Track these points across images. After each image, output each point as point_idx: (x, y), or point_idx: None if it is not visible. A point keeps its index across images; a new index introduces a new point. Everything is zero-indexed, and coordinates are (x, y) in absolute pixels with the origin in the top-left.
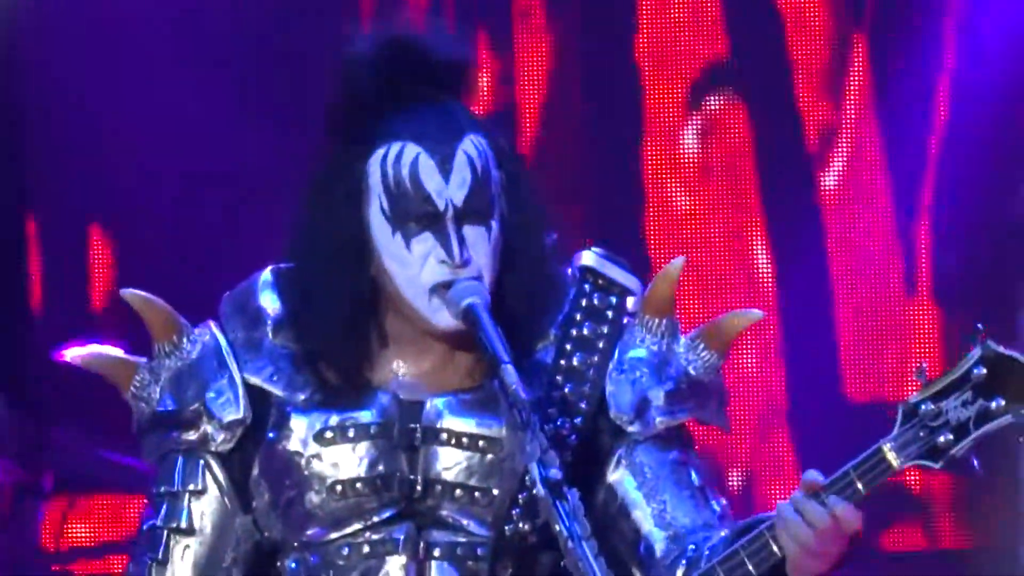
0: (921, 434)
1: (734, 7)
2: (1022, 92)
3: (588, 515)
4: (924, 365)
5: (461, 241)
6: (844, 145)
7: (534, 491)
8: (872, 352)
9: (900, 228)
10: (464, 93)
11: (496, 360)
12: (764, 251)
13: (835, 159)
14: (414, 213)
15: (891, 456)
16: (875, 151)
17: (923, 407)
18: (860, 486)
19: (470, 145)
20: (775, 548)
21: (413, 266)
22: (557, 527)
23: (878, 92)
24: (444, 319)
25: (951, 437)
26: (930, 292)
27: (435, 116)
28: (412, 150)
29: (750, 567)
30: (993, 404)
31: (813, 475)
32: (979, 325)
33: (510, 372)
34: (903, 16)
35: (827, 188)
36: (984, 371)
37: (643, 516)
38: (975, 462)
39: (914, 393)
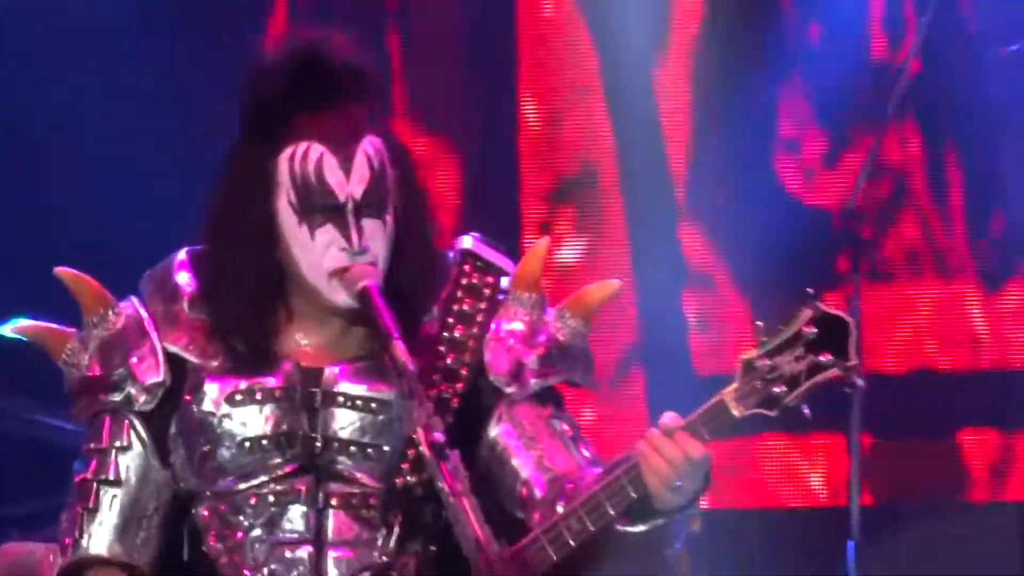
0: (758, 386)
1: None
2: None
3: (472, 469)
4: (760, 324)
5: (360, 232)
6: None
7: (420, 451)
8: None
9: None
10: (365, 98)
11: (386, 336)
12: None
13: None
14: (318, 206)
15: (732, 406)
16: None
17: (759, 362)
18: (705, 433)
19: (368, 145)
20: (630, 490)
21: (316, 253)
22: (440, 484)
23: (719, 88)
24: (342, 299)
25: (784, 389)
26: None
27: (337, 118)
28: (317, 149)
29: (608, 508)
30: (822, 359)
31: (670, 417)
32: (810, 290)
33: (398, 347)
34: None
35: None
36: (814, 330)
37: (523, 463)
38: (806, 410)
39: (752, 350)
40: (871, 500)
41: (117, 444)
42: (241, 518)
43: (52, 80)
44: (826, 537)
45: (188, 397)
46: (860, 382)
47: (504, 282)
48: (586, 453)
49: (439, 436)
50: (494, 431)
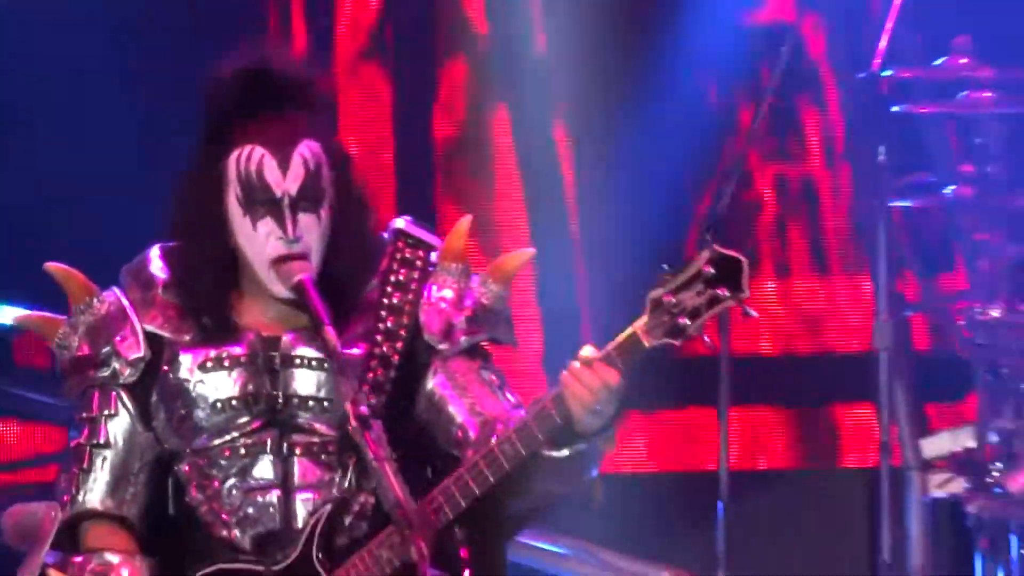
0: (665, 319)
1: None
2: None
3: (409, 422)
4: (665, 267)
5: (295, 223)
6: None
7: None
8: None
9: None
10: (306, 106)
11: (318, 323)
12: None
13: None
14: (259, 200)
15: (643, 338)
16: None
17: (666, 299)
18: (620, 362)
19: (305, 148)
20: (556, 416)
21: (258, 242)
22: (365, 451)
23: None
24: (279, 290)
25: (688, 320)
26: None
27: (279, 124)
28: (259, 151)
29: (537, 433)
30: (719, 292)
31: (589, 350)
32: (707, 236)
33: (328, 332)
34: None
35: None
36: (712, 269)
37: (458, 409)
38: (707, 339)
39: (659, 288)
40: (739, 467)
41: (106, 413)
42: (216, 470)
43: (22, 80)
44: (700, 499)
45: (166, 368)
46: (752, 312)
47: (433, 256)
48: (511, 398)
49: (364, 410)
50: (431, 383)
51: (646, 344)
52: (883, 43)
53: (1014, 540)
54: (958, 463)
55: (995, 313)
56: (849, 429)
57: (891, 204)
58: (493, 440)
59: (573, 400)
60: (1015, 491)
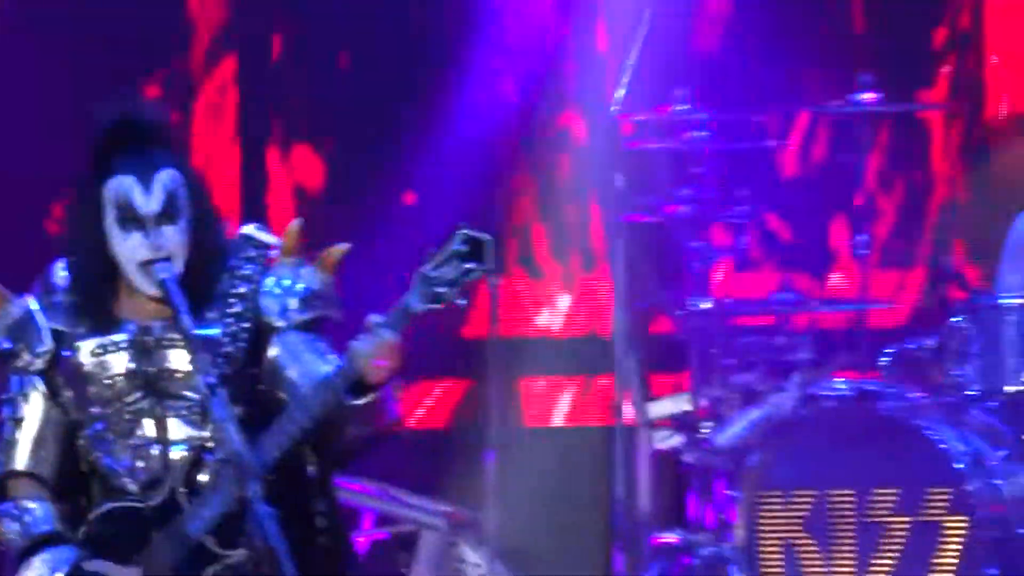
0: (429, 289)
1: None
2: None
3: (252, 391)
4: (431, 250)
5: (159, 235)
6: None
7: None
8: None
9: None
10: (164, 143)
11: (178, 314)
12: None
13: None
14: (129, 218)
15: (412, 305)
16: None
17: (430, 273)
18: (397, 325)
19: (165, 175)
20: (350, 371)
21: (129, 251)
22: (210, 411)
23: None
24: (149, 288)
25: (447, 289)
26: None
27: (144, 158)
28: (128, 179)
29: (340, 384)
30: (469, 266)
31: (373, 316)
32: (461, 224)
33: (185, 322)
34: None
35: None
36: (465, 247)
37: (296, 372)
38: (462, 302)
39: (425, 265)
40: (505, 424)
41: (23, 393)
42: (111, 433)
43: None
44: (473, 450)
45: (67, 355)
46: (496, 280)
47: (273, 253)
48: (339, 363)
49: (211, 379)
50: (271, 353)
51: (415, 309)
52: (620, 92)
53: (719, 484)
54: (677, 422)
55: (704, 305)
56: (594, 395)
57: (627, 220)
58: (305, 391)
59: (360, 358)
60: (721, 445)
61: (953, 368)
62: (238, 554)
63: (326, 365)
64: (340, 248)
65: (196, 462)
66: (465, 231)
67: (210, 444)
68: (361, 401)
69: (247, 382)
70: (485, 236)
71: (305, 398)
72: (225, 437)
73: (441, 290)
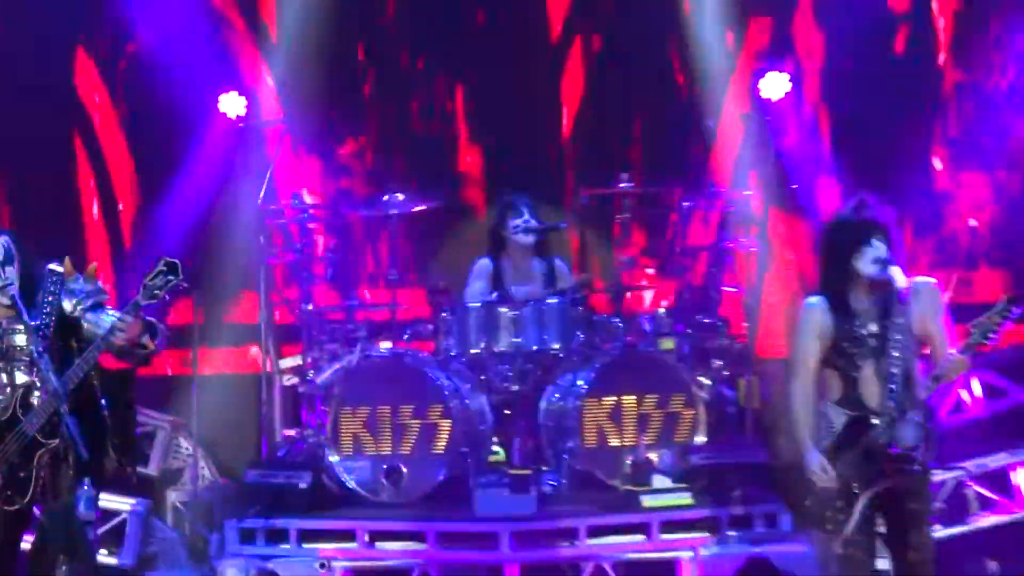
0: (150, 292)
1: None
2: None
3: (59, 351)
4: (150, 271)
5: (4, 275)
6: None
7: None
8: None
9: None
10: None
11: (20, 314)
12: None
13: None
14: None
15: (139, 300)
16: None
17: (148, 282)
18: (139, 312)
19: (2, 240)
20: (108, 334)
21: None
22: (39, 365)
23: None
24: (4, 299)
25: (159, 291)
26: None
27: None
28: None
29: (100, 341)
30: (171, 277)
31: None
32: (159, 257)
33: (24, 318)
34: None
35: None
36: (166, 267)
37: (93, 331)
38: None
39: (145, 278)
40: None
41: None
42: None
43: None
44: (185, 387)
45: None
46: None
47: (61, 277)
48: (110, 324)
49: (39, 347)
50: (84, 329)
51: (140, 302)
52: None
53: (318, 403)
54: (296, 370)
55: (309, 306)
56: (249, 356)
57: (263, 241)
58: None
59: (112, 328)
60: (319, 382)
61: (443, 340)
62: (55, 442)
63: (101, 329)
64: (94, 266)
65: (27, 393)
66: (164, 258)
67: (36, 382)
68: (120, 344)
69: (55, 348)
70: (176, 260)
71: (85, 352)
72: (45, 377)
73: (156, 292)
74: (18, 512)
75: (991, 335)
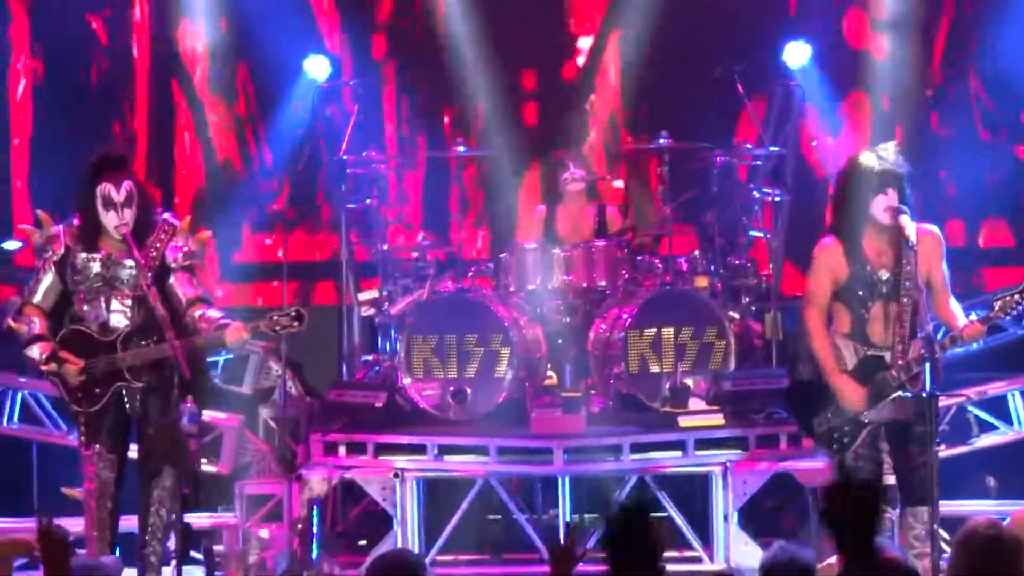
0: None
1: None
2: None
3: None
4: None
5: (121, 212)
6: None
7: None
8: None
9: None
10: (125, 166)
11: (131, 250)
12: None
13: None
14: (108, 204)
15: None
16: None
17: None
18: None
19: (127, 182)
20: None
21: (109, 219)
22: (150, 301)
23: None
24: (117, 236)
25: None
26: None
27: (115, 174)
28: (107, 185)
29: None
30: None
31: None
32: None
33: (136, 253)
34: None
35: None
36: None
37: (180, 294)
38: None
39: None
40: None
41: (45, 268)
42: (87, 299)
43: None
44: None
45: (73, 260)
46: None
47: (175, 229)
48: (201, 290)
49: (145, 285)
50: (170, 281)
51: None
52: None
53: (393, 331)
54: (373, 303)
55: (384, 246)
56: (331, 290)
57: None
58: (192, 312)
59: (233, 345)
60: (393, 313)
61: (503, 277)
62: (138, 384)
63: (198, 291)
64: (205, 232)
65: (127, 326)
66: (298, 307)
67: (132, 314)
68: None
69: (161, 291)
70: (304, 312)
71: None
72: (155, 316)
73: (276, 329)
74: (124, 424)
75: (1012, 312)
